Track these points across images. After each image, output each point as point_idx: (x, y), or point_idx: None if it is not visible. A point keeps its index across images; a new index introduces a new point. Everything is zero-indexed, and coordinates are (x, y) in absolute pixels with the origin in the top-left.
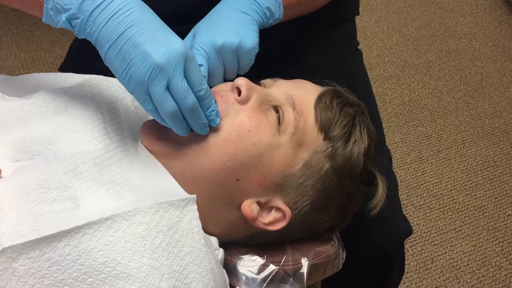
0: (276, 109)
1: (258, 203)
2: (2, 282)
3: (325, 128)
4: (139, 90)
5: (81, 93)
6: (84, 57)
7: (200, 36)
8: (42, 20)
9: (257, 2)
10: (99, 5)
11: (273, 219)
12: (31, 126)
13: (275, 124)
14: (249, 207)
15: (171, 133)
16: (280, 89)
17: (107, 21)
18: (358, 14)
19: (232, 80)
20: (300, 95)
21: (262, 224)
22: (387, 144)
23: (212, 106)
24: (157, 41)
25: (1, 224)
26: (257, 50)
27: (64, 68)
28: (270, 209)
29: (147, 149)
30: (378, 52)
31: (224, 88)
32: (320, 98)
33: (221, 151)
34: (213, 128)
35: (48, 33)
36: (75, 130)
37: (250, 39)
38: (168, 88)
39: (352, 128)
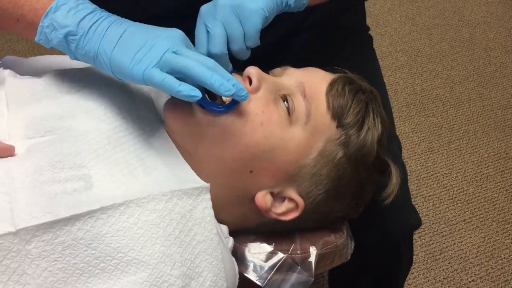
0: (285, 98)
1: (272, 193)
2: (15, 264)
3: (337, 116)
4: (157, 67)
5: (93, 74)
6: None
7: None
8: (35, 39)
9: None
10: (95, 22)
11: (286, 210)
12: (44, 104)
13: (285, 115)
14: (263, 198)
15: (196, 112)
16: (291, 77)
17: (107, 29)
18: None
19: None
20: (311, 82)
21: (275, 214)
22: (398, 135)
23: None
24: (159, 28)
25: (15, 205)
26: (264, 15)
27: None
28: (283, 199)
29: (169, 127)
30: (390, 40)
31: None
32: (331, 85)
33: (235, 142)
34: (230, 119)
35: None
36: (88, 109)
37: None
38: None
39: (365, 115)
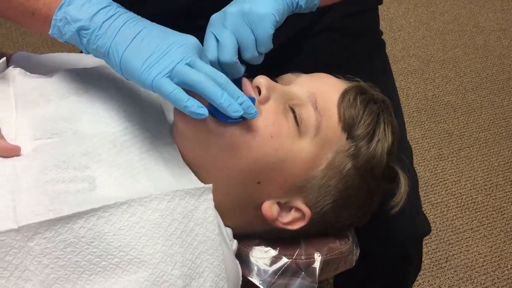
0: (294, 110)
1: (278, 203)
2: (17, 260)
3: (348, 127)
4: (161, 76)
5: (103, 75)
6: None
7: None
8: (48, 33)
9: None
10: (110, 17)
11: (292, 219)
12: (53, 105)
13: (294, 126)
14: (270, 208)
15: (206, 120)
16: (302, 86)
17: (121, 27)
18: (381, 3)
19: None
20: (322, 92)
21: (281, 223)
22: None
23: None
24: (175, 34)
25: (19, 203)
26: (274, 19)
27: None
28: (289, 209)
29: (178, 131)
30: (403, 45)
31: (247, 86)
32: (343, 96)
33: (244, 153)
34: (240, 130)
35: None
36: (95, 112)
37: (264, 4)
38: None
39: (376, 127)
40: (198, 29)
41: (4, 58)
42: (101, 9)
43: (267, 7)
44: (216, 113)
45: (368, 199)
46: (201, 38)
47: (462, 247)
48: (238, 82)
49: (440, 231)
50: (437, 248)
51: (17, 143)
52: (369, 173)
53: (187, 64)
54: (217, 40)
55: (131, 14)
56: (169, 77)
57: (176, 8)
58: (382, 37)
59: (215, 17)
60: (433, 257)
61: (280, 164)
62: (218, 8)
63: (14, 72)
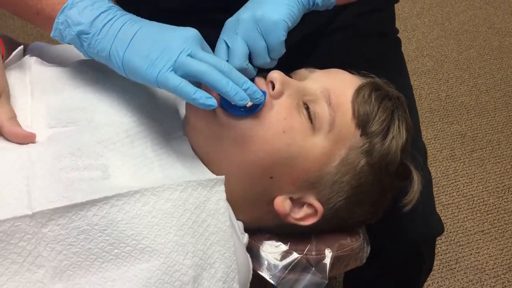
0: (307, 106)
1: (291, 199)
2: (31, 246)
3: (362, 124)
4: (163, 76)
5: None
6: None
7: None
8: (50, 35)
9: None
10: (109, 20)
11: (304, 215)
12: (68, 94)
13: (308, 122)
14: (282, 203)
15: (217, 113)
16: (316, 82)
17: (120, 29)
18: (397, 1)
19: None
20: (337, 88)
21: (293, 219)
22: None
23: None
24: (174, 28)
25: (33, 189)
26: (286, 26)
27: None
28: (302, 204)
29: (190, 124)
30: (417, 45)
31: (259, 83)
32: (358, 92)
33: (256, 147)
34: (252, 123)
35: None
36: (110, 101)
37: (276, 10)
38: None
39: (391, 123)
40: (199, 24)
41: (21, 46)
42: (101, 13)
43: (279, 13)
44: (227, 106)
45: (381, 196)
46: (203, 32)
47: (473, 249)
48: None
49: (450, 232)
50: (447, 249)
51: (32, 131)
52: (383, 170)
53: (189, 55)
54: (228, 47)
55: (129, 16)
56: (173, 70)
57: (175, 4)
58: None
59: (228, 24)
60: (443, 259)
61: (292, 160)
62: (218, 4)
63: (31, 60)
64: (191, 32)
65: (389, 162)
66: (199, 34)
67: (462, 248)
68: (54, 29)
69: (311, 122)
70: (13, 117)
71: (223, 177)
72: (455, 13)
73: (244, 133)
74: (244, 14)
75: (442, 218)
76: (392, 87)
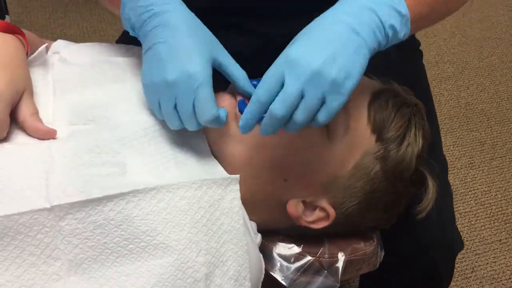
0: None
1: (303, 202)
2: (49, 239)
3: (378, 130)
4: (152, 101)
5: (138, 64)
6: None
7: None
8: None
9: (378, 17)
10: (150, 16)
11: (316, 218)
12: (89, 92)
13: (325, 128)
14: (295, 206)
15: (237, 118)
16: None
17: (145, 35)
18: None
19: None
20: (353, 93)
21: (305, 222)
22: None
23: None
24: (176, 60)
25: (52, 183)
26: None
27: (120, 41)
28: (314, 208)
29: (208, 128)
30: (438, 51)
31: None
32: (375, 97)
33: (271, 151)
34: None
35: None
36: (129, 100)
37: (351, 76)
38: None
39: (407, 130)
40: (223, 28)
41: (45, 44)
42: (147, 6)
43: (353, 77)
44: (243, 106)
45: (395, 202)
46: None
47: (489, 258)
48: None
49: (467, 240)
50: (463, 258)
51: (53, 127)
52: (397, 177)
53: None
54: (282, 84)
55: (166, 16)
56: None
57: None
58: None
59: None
60: (458, 267)
61: (307, 163)
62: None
63: (54, 58)
64: (189, 74)
65: (404, 169)
66: (200, 75)
67: (478, 257)
68: (121, 21)
69: (327, 126)
70: (36, 113)
71: (238, 176)
72: (477, 20)
73: (261, 137)
74: (307, 60)
75: (458, 226)
76: (411, 94)
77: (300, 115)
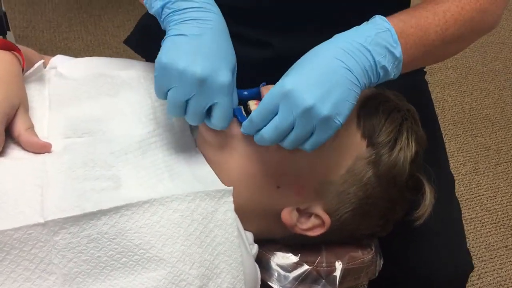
0: None
1: (298, 209)
2: (43, 253)
3: (369, 134)
4: (166, 80)
5: (134, 78)
6: (149, 32)
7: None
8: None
9: (373, 57)
10: (191, 7)
11: (312, 226)
12: (84, 106)
13: None
14: (289, 214)
15: (229, 127)
16: None
17: (184, 21)
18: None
19: None
20: None
21: (300, 230)
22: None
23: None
24: (209, 60)
25: (46, 198)
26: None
27: (129, 40)
28: (309, 215)
29: (201, 136)
30: None
31: (265, 93)
32: (364, 103)
33: (263, 158)
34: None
35: (115, 18)
36: (124, 113)
37: (341, 113)
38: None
39: (399, 135)
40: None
41: (42, 60)
42: None
43: (342, 115)
44: (240, 117)
45: (390, 209)
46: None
47: (496, 265)
48: (257, 88)
49: (473, 247)
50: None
51: (49, 141)
52: (391, 182)
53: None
54: (275, 114)
55: (207, 14)
56: None
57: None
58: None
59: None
60: None
61: (298, 169)
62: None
63: (50, 73)
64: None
65: (397, 174)
66: (224, 86)
67: (485, 264)
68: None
69: None
70: (31, 128)
71: (231, 188)
72: None
73: (254, 143)
74: (300, 96)
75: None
76: (402, 99)
77: (288, 143)
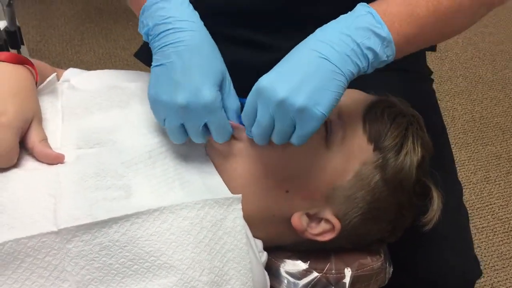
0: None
1: (307, 214)
2: (57, 261)
3: (374, 139)
4: (158, 114)
5: (143, 89)
6: None
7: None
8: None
9: (355, 41)
10: (168, 29)
11: (322, 231)
12: (96, 117)
13: (323, 137)
14: (299, 219)
15: (235, 134)
16: None
17: (162, 46)
18: (434, 50)
19: None
20: (348, 104)
21: (311, 235)
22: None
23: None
24: (188, 85)
25: (59, 207)
26: (325, 118)
27: (139, 53)
28: (319, 220)
29: (209, 143)
30: (450, 65)
31: None
32: (369, 108)
33: (272, 161)
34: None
35: (126, 32)
36: (134, 124)
37: (321, 103)
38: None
39: (404, 139)
40: (230, 40)
41: (55, 73)
42: (165, 18)
43: (322, 105)
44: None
45: (398, 214)
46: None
47: (509, 274)
48: None
49: (485, 256)
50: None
51: (61, 152)
52: (398, 186)
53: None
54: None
55: (184, 35)
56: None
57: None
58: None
59: (266, 86)
60: (477, 284)
61: (306, 173)
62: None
63: (63, 86)
64: (202, 99)
65: (404, 178)
66: (211, 101)
67: (497, 273)
68: (139, 26)
69: (326, 136)
70: (44, 139)
71: (240, 196)
72: (489, 33)
73: (261, 149)
74: (281, 88)
75: (476, 242)
76: (407, 104)
77: (275, 138)
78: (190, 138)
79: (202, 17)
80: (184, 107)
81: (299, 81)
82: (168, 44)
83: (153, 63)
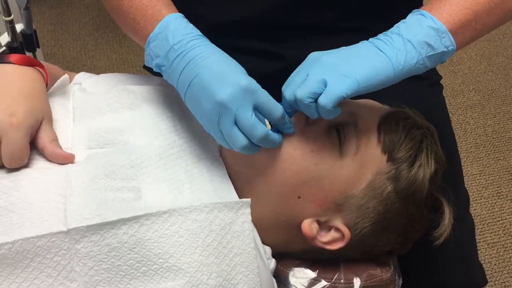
0: (338, 129)
1: (318, 222)
2: (65, 261)
3: (389, 150)
4: (213, 129)
5: (156, 93)
6: None
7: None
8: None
9: (407, 39)
10: (178, 55)
11: (331, 239)
12: (107, 118)
13: (336, 145)
14: (309, 225)
15: None
16: (345, 106)
17: (183, 69)
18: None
19: None
20: (364, 114)
21: (320, 243)
22: (464, 176)
23: (287, 124)
24: (222, 80)
25: (69, 207)
26: (356, 86)
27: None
28: (329, 228)
29: (223, 147)
30: (463, 79)
31: None
32: (385, 119)
33: (285, 166)
34: (281, 144)
35: None
36: (145, 126)
37: (358, 71)
38: (236, 123)
39: (418, 152)
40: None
41: (66, 75)
42: (173, 45)
43: (357, 74)
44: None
45: (409, 226)
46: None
47: None
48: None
49: (495, 272)
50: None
51: (72, 151)
52: (410, 199)
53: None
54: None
55: (197, 51)
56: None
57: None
58: (442, 71)
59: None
60: None
61: (319, 180)
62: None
63: (74, 88)
64: (240, 87)
65: (416, 190)
66: (250, 84)
67: None
68: (145, 59)
69: (340, 144)
70: (55, 140)
71: (249, 200)
72: (503, 48)
73: (275, 153)
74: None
75: (486, 257)
76: (423, 117)
77: (304, 96)
78: (246, 133)
79: (206, 31)
80: (228, 99)
81: (344, 54)
82: (183, 69)
83: (181, 92)
